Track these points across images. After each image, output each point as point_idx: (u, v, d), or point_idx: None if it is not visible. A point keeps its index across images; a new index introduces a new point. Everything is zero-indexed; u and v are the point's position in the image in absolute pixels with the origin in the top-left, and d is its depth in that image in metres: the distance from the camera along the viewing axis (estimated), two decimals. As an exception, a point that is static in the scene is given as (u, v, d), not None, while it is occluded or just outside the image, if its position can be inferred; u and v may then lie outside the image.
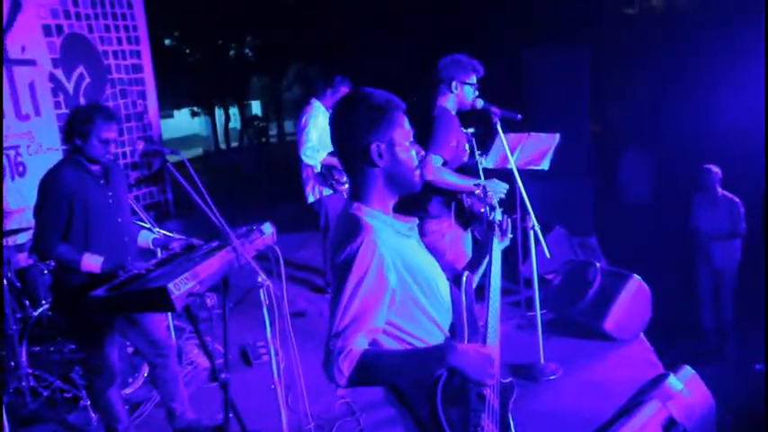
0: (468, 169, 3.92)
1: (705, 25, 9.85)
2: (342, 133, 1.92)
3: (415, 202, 3.89)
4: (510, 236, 2.46)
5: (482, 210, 3.90)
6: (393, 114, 1.89)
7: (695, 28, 10.09)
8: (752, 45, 8.36)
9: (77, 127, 3.24)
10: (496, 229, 2.38)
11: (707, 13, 10.43)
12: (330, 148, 5.51)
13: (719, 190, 6.25)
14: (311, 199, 5.76)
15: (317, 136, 5.50)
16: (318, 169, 5.57)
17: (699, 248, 6.49)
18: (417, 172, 1.94)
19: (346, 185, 5.64)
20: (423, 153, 1.97)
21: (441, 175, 3.74)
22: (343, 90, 5.61)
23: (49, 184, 3.24)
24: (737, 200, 6.26)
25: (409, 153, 1.92)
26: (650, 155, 9.50)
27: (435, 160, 3.72)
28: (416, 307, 1.89)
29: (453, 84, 3.85)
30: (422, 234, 3.93)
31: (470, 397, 1.84)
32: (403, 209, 2.42)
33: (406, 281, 1.87)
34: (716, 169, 6.31)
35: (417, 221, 2.05)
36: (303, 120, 5.59)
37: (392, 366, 1.78)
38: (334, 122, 1.93)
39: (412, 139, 1.95)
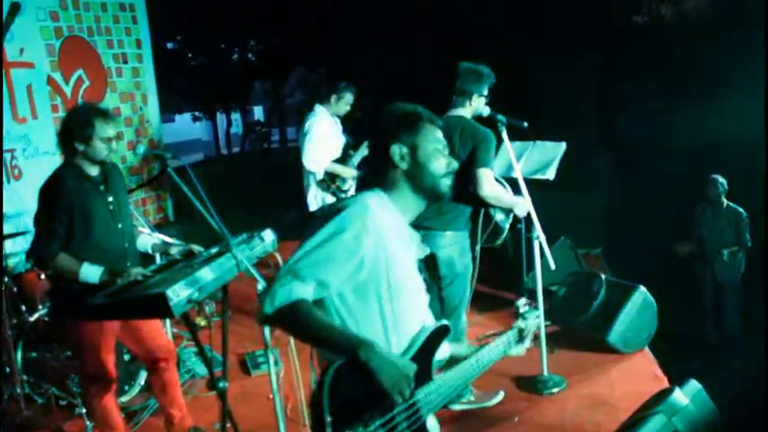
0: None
1: (714, 34, 9.83)
2: (374, 134, 2.05)
3: (437, 210, 3.84)
4: (527, 346, 2.47)
5: (499, 218, 3.95)
6: (420, 123, 1.99)
7: (704, 37, 10.07)
8: (762, 54, 8.33)
9: (77, 132, 3.19)
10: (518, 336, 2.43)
11: (716, 22, 10.42)
12: (333, 156, 5.46)
13: (725, 201, 6.20)
14: (313, 207, 5.67)
15: (319, 143, 5.41)
16: (321, 176, 5.49)
17: (702, 260, 6.44)
18: (445, 181, 2.00)
19: (349, 193, 5.57)
20: (456, 167, 2.03)
21: (495, 191, 3.83)
22: (348, 97, 5.54)
23: (48, 193, 3.19)
24: (742, 211, 6.21)
25: (437, 159, 1.99)
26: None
27: (490, 176, 3.79)
28: (375, 300, 1.91)
29: (474, 97, 3.88)
30: (436, 247, 3.91)
31: (369, 398, 1.79)
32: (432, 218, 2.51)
33: (379, 270, 1.89)
34: (722, 180, 6.27)
35: (418, 236, 2.10)
36: (306, 125, 5.51)
37: (313, 329, 1.79)
38: (373, 125, 2.06)
39: (444, 150, 2.02)
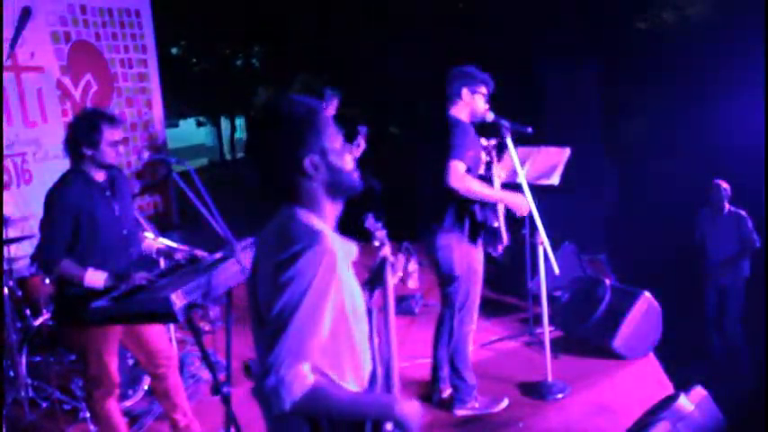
0: (484, 182, 3.86)
1: (717, 39, 9.83)
2: (266, 152, 1.79)
3: (430, 213, 3.85)
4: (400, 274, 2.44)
5: (496, 225, 3.88)
6: (318, 121, 1.79)
7: (707, 42, 10.07)
8: (763, 60, 8.33)
9: (85, 137, 3.20)
10: (388, 266, 2.29)
11: (718, 28, 10.42)
12: None
13: (727, 206, 6.17)
14: None
15: None
16: None
17: (705, 265, 6.42)
18: (356, 173, 1.84)
19: None
20: (357, 154, 1.93)
21: (466, 183, 3.65)
22: (334, 102, 5.59)
23: (55, 199, 3.20)
24: (744, 214, 6.18)
25: (343, 156, 1.82)
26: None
27: (459, 167, 3.63)
28: (344, 337, 1.76)
29: (464, 91, 3.81)
30: (434, 248, 3.90)
31: None
32: (419, 219, 2.37)
33: (343, 302, 1.73)
34: (725, 185, 6.25)
35: (356, 246, 1.89)
36: None
37: (340, 405, 1.68)
38: (252, 143, 1.82)
39: (342, 141, 1.85)
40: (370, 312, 1.95)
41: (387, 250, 2.35)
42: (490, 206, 3.85)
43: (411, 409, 1.76)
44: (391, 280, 2.26)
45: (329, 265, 1.65)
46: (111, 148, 3.22)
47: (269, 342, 1.61)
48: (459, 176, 3.63)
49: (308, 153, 1.75)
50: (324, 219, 1.80)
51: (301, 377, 1.59)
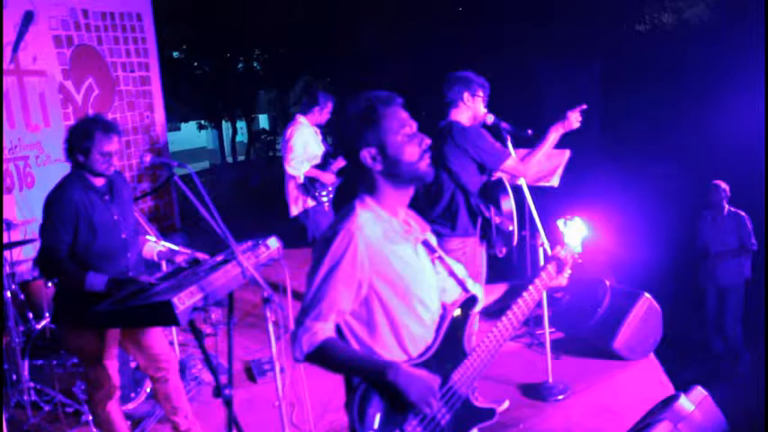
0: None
1: (715, 41, 9.85)
2: (340, 142, 2.02)
3: (439, 218, 3.87)
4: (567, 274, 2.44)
5: (510, 228, 3.90)
6: (378, 115, 1.93)
7: (705, 44, 10.09)
8: (761, 61, 8.34)
9: (77, 143, 3.22)
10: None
11: (717, 30, 10.44)
12: (314, 162, 5.60)
13: (726, 206, 6.18)
14: (294, 212, 5.79)
15: (301, 148, 5.57)
16: (302, 180, 5.62)
17: (705, 266, 6.42)
18: (423, 163, 1.96)
19: (327, 198, 5.69)
20: (429, 142, 1.99)
21: (533, 159, 3.87)
22: (329, 105, 5.70)
23: (54, 204, 3.22)
24: (744, 215, 6.19)
25: (408, 147, 1.94)
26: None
27: (511, 162, 3.82)
28: (378, 304, 1.95)
29: (465, 96, 3.84)
30: (445, 251, 3.90)
31: (399, 410, 1.91)
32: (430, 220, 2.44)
33: (376, 279, 1.92)
34: (724, 185, 6.25)
35: (428, 230, 2.11)
36: (288, 133, 5.70)
37: (340, 362, 1.91)
38: (337, 133, 2.07)
39: (411, 131, 1.96)
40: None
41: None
42: (505, 210, 3.89)
43: (411, 376, 1.84)
44: None
45: (350, 244, 1.87)
46: (101, 158, 3.22)
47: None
48: (521, 168, 3.83)
49: (363, 147, 1.93)
50: (385, 205, 1.98)
51: (311, 334, 1.88)
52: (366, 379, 1.91)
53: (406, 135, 1.94)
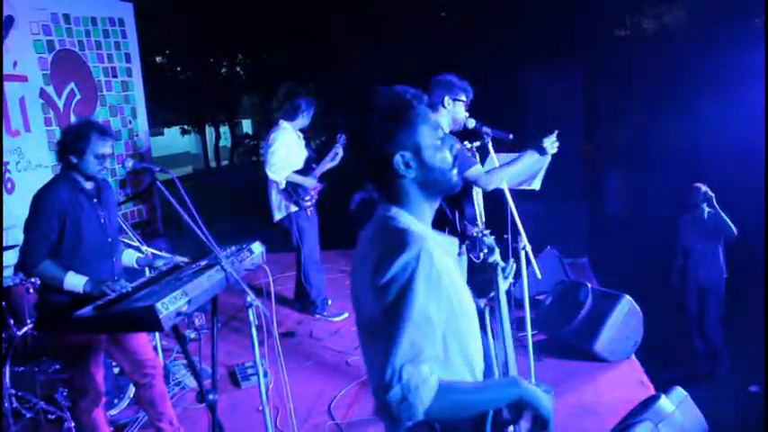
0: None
1: (694, 46, 9.98)
2: (360, 143, 1.71)
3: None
4: (511, 280, 2.43)
5: (475, 232, 3.91)
6: (413, 115, 1.68)
7: (685, 49, 10.23)
8: (741, 65, 8.46)
9: (72, 144, 3.22)
10: (499, 270, 2.34)
11: (696, 35, 10.58)
12: (296, 167, 5.61)
13: (707, 209, 6.25)
14: (278, 216, 5.80)
15: (284, 154, 5.59)
16: (283, 185, 5.63)
17: (686, 267, 6.48)
18: (454, 171, 1.74)
19: (310, 203, 5.70)
20: (458, 147, 1.89)
21: (497, 175, 3.80)
22: (311, 111, 5.74)
23: (42, 200, 3.21)
24: (724, 216, 6.25)
25: (441, 153, 1.72)
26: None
27: (476, 170, 3.75)
28: (453, 337, 1.67)
29: (446, 99, 3.86)
30: None
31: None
32: None
33: (451, 305, 1.64)
34: (704, 188, 6.31)
35: (456, 241, 1.90)
36: (271, 138, 5.72)
37: (469, 397, 1.61)
38: (349, 131, 1.76)
39: (442, 133, 1.73)
40: (481, 313, 1.89)
41: (497, 255, 2.38)
42: (468, 215, 3.91)
43: (536, 390, 1.69)
44: (502, 284, 2.30)
45: (427, 264, 1.56)
46: (95, 160, 3.23)
47: (382, 352, 1.53)
48: (483, 179, 3.76)
49: (397, 150, 1.67)
50: (420, 218, 1.73)
51: (425, 380, 1.52)
52: (498, 404, 1.68)
53: (439, 139, 1.72)
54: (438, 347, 1.58)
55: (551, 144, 3.78)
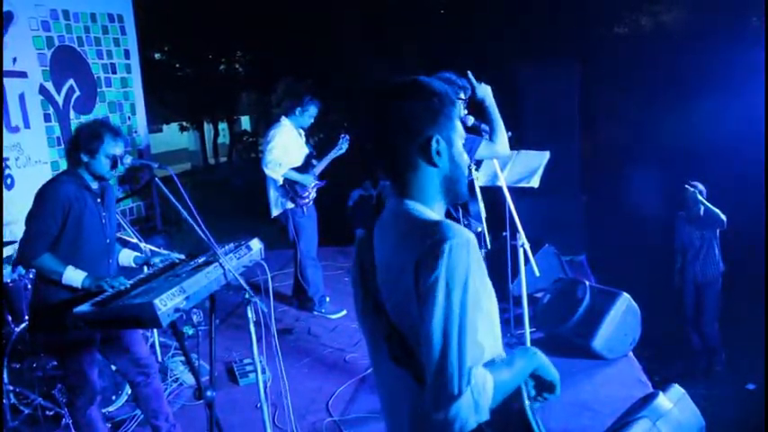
0: None
1: (691, 44, 10.00)
2: (394, 124, 1.58)
3: None
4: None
5: (479, 229, 3.92)
6: (452, 108, 1.61)
7: (682, 46, 10.24)
8: (739, 63, 8.48)
9: (85, 143, 3.24)
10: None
11: (693, 32, 10.59)
12: (295, 164, 5.61)
13: (702, 207, 6.26)
14: (275, 212, 5.81)
15: (281, 150, 5.59)
16: (281, 182, 5.63)
17: (683, 264, 6.51)
18: (467, 181, 1.67)
19: (307, 200, 5.69)
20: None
21: (497, 142, 3.85)
22: (312, 110, 5.71)
23: (47, 193, 3.22)
24: (719, 212, 6.28)
25: (463, 157, 1.64)
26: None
27: (484, 146, 3.81)
28: (491, 324, 1.62)
29: None
30: None
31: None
32: None
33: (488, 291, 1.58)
34: (700, 186, 6.33)
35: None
36: (270, 134, 5.73)
37: (507, 378, 1.55)
38: (383, 112, 1.60)
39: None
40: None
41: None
42: (472, 212, 3.90)
43: (541, 358, 1.70)
44: None
45: (474, 251, 1.45)
46: (107, 160, 3.26)
47: (440, 356, 1.41)
48: (492, 146, 3.81)
49: (436, 133, 1.57)
50: (439, 213, 1.61)
51: (487, 378, 1.46)
52: (524, 376, 1.65)
53: (464, 139, 1.65)
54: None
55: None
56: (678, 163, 8.56)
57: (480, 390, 1.44)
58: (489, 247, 4.03)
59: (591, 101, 9.19)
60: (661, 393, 3.36)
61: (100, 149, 3.23)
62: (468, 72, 3.76)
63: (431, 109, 1.57)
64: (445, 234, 1.44)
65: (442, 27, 12.31)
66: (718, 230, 6.22)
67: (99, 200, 3.34)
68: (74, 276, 3.17)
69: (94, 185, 3.34)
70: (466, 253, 1.43)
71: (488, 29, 11.35)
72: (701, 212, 6.15)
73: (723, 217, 5.99)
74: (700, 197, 6.15)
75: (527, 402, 1.64)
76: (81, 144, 3.24)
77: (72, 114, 6.31)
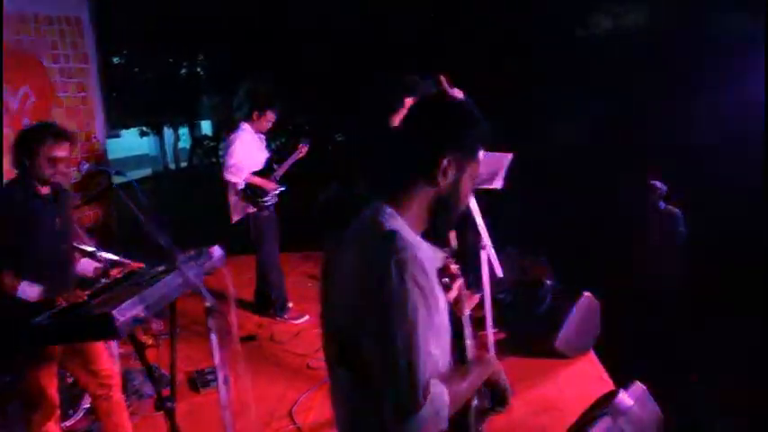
0: None
1: (654, 46, 10.20)
2: (419, 129, 1.59)
3: None
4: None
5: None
6: (480, 146, 1.61)
7: (645, 49, 10.45)
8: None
9: (23, 146, 3.15)
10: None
11: (651, 35, 10.81)
12: (255, 168, 5.58)
13: (662, 204, 6.38)
14: (235, 218, 5.78)
15: (242, 155, 5.55)
16: (241, 186, 5.60)
17: (644, 264, 6.62)
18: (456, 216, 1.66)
19: (269, 203, 5.66)
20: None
21: None
22: (269, 114, 5.69)
23: None
24: (678, 212, 6.41)
25: (468, 192, 1.63)
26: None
27: None
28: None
29: (407, 100, 3.84)
30: None
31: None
32: None
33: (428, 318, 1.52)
34: (659, 185, 6.45)
35: (442, 254, 1.72)
36: (230, 138, 5.70)
37: (462, 388, 1.59)
38: (415, 116, 1.62)
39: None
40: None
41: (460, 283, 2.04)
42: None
43: (494, 366, 1.76)
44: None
45: (411, 274, 1.44)
46: (47, 163, 3.15)
47: (394, 368, 1.42)
48: None
49: (449, 153, 1.55)
50: (412, 228, 1.57)
51: (438, 398, 1.46)
52: (477, 386, 1.69)
53: (474, 182, 1.64)
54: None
55: None
56: (640, 161, 8.72)
57: (440, 401, 1.46)
58: (455, 247, 4.04)
59: (553, 102, 9.32)
60: (622, 391, 3.41)
61: (39, 151, 3.13)
62: (441, 77, 3.76)
63: (470, 135, 1.58)
64: (396, 245, 1.45)
65: (407, 27, 12.30)
66: (680, 233, 6.35)
67: (51, 206, 3.25)
68: (29, 291, 3.09)
69: (45, 191, 3.24)
70: (413, 266, 1.44)
71: (450, 28, 11.39)
72: (663, 209, 6.27)
73: (683, 236, 6.12)
74: (660, 196, 6.27)
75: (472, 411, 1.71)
76: (21, 147, 3.16)
77: (27, 120, 6.15)
